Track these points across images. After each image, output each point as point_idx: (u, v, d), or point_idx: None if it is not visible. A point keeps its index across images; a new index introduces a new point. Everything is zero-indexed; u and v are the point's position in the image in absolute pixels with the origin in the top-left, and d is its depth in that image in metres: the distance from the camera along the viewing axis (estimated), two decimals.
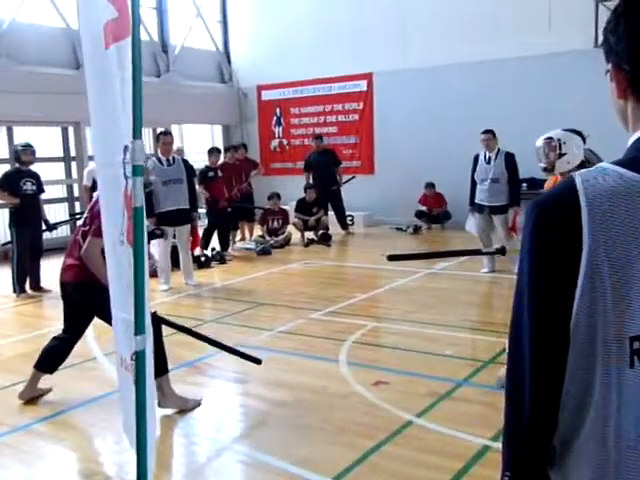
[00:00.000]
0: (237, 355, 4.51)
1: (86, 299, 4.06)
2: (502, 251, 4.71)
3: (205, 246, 9.79)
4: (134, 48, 1.79)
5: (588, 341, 1.06)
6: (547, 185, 4.23)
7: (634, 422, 1.05)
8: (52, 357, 4.32)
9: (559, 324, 1.07)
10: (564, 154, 3.88)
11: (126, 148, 2.00)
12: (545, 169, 4.02)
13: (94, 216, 3.77)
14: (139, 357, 2.02)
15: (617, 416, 1.06)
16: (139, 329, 1.99)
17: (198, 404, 4.17)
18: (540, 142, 4.01)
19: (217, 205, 9.88)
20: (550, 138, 3.96)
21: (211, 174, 9.94)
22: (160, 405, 3.95)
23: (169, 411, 4.05)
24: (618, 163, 1.08)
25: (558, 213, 1.06)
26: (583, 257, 1.03)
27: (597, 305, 1.04)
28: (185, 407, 4.10)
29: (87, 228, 3.94)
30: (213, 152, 10.35)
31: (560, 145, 3.90)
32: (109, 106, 2.11)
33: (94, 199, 4.00)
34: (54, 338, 4.40)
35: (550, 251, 1.07)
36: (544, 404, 1.13)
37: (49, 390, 4.35)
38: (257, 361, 4.44)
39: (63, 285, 4.22)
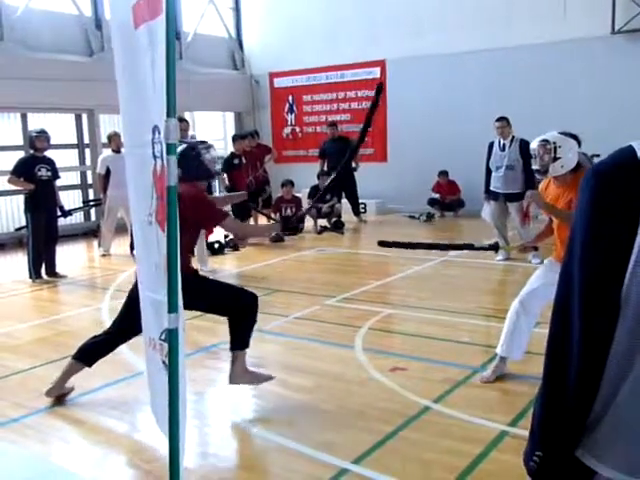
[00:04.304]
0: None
1: None
2: (495, 247, 4.75)
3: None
4: (168, 24, 1.78)
5: (637, 313, 1.05)
6: (541, 187, 4.18)
7: None
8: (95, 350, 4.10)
9: (611, 292, 1.07)
10: (559, 158, 3.85)
11: (155, 128, 2.00)
12: (538, 171, 3.98)
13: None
14: (172, 335, 2.03)
15: None
16: (172, 307, 2.00)
17: (269, 378, 4.06)
18: (535, 144, 3.97)
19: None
20: (546, 141, 3.91)
21: (236, 161, 9.94)
22: (231, 381, 3.93)
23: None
24: None
25: (620, 180, 1.05)
26: None
27: None
28: (255, 382, 4.02)
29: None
30: (237, 139, 10.32)
31: (555, 149, 3.86)
32: (138, 87, 2.11)
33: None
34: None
35: (610, 219, 1.06)
36: (591, 377, 1.12)
37: (72, 389, 4.17)
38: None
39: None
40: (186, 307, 3.98)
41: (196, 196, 3.68)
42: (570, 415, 1.16)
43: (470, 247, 4.93)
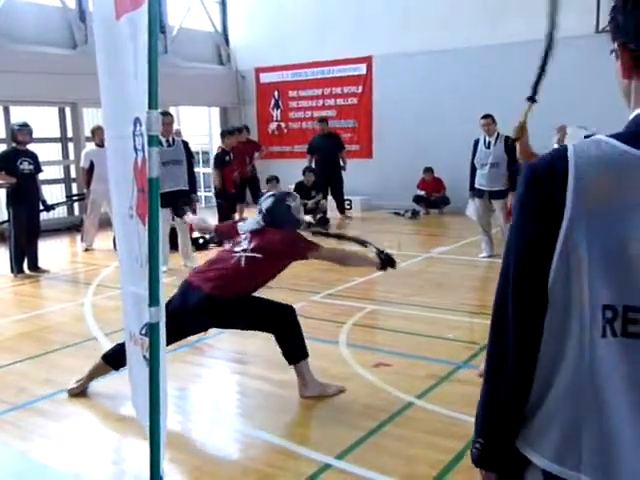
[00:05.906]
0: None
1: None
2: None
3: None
4: (151, 13, 1.76)
5: (563, 306, 1.08)
6: None
7: (607, 391, 1.05)
8: None
9: (538, 284, 1.10)
10: None
11: (137, 120, 1.98)
12: None
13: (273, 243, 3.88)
14: (154, 329, 2.01)
15: (589, 384, 1.07)
16: (154, 301, 1.98)
17: (340, 391, 4.01)
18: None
19: (227, 190, 9.82)
20: None
21: (227, 158, 9.85)
22: (301, 394, 3.91)
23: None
24: (616, 136, 1.08)
25: (547, 179, 1.09)
26: (563, 226, 1.06)
27: (572, 272, 1.06)
28: (326, 393, 3.96)
29: (260, 256, 3.88)
30: (227, 134, 10.22)
31: None
32: (119, 79, 2.08)
33: (253, 227, 4.02)
34: None
35: (536, 215, 1.10)
36: (525, 363, 1.16)
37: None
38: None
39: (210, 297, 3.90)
40: (225, 327, 4.05)
41: (286, 240, 3.94)
42: (508, 403, 1.19)
43: None
